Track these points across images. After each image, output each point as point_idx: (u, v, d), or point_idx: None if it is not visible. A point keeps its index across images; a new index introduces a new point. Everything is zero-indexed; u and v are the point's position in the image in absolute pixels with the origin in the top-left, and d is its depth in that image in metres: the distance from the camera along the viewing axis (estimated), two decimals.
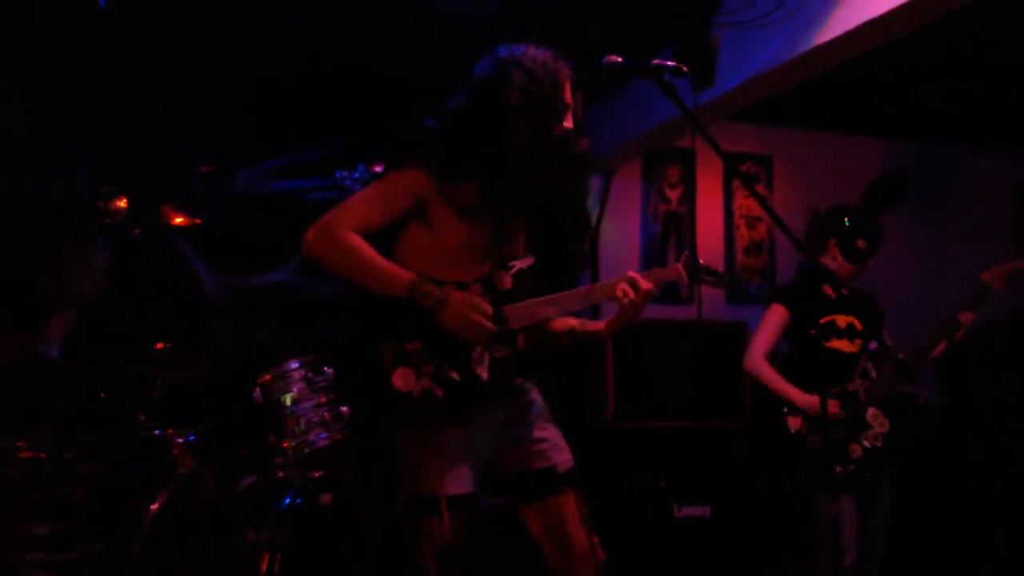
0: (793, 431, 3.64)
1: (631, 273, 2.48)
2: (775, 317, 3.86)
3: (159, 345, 3.72)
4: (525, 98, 2.44)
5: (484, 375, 2.43)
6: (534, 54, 2.50)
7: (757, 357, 3.80)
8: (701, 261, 2.56)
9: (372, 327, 2.47)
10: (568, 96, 2.51)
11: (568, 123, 2.51)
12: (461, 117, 2.49)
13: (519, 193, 2.51)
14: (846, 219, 3.85)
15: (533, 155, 2.45)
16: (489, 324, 2.38)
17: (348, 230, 2.43)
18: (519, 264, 2.55)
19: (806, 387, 3.65)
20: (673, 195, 5.92)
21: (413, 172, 2.45)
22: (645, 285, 2.45)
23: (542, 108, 2.46)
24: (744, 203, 6.06)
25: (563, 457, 2.57)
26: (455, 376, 2.41)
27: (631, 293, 2.44)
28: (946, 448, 5.09)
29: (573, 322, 2.65)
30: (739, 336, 4.93)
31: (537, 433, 2.57)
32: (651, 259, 5.78)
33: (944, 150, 6.38)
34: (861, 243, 3.81)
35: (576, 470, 2.58)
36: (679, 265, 2.52)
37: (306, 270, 4.64)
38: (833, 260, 3.84)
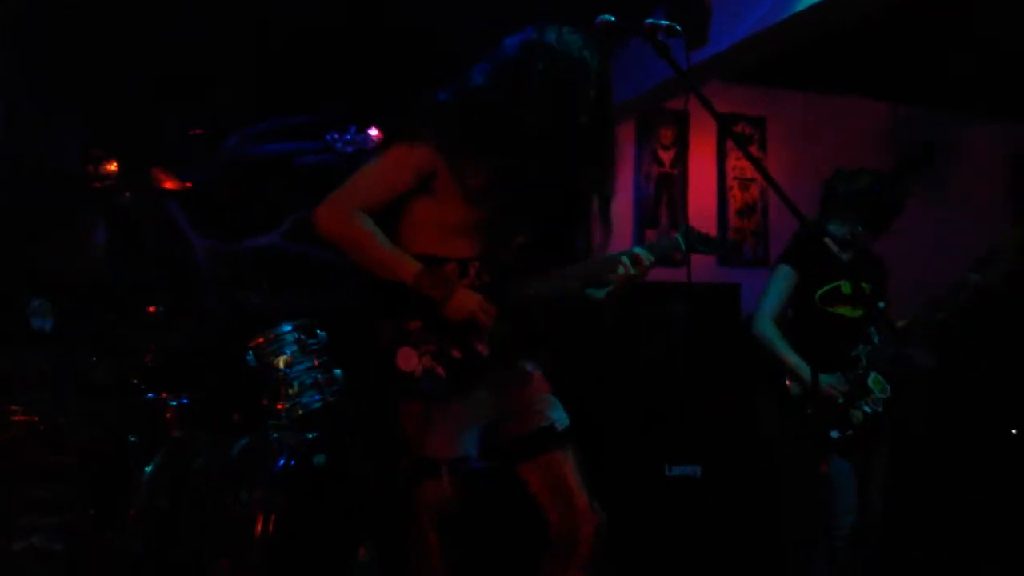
0: (793, 395, 3.61)
1: (635, 249, 2.50)
2: (784, 278, 3.76)
3: (151, 309, 3.72)
4: (546, 87, 2.41)
5: (485, 352, 2.45)
6: (563, 39, 2.45)
7: (767, 321, 3.69)
8: (695, 227, 2.58)
9: (372, 303, 2.47)
10: (592, 87, 2.45)
11: (586, 115, 2.47)
12: (478, 97, 2.46)
13: (528, 177, 2.50)
14: (875, 184, 3.70)
15: (547, 144, 2.44)
16: (490, 323, 2.41)
17: (358, 211, 2.42)
18: (522, 239, 2.55)
19: (807, 353, 3.59)
20: (666, 157, 5.90)
21: (423, 148, 2.43)
22: (646, 262, 2.48)
23: (562, 98, 2.42)
24: (737, 165, 6.03)
25: (560, 416, 2.60)
26: (457, 354, 2.42)
27: (629, 270, 2.47)
28: (941, 412, 5.11)
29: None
30: (731, 298, 4.93)
31: (534, 395, 2.60)
32: (644, 221, 5.77)
33: (939, 114, 6.35)
34: (884, 211, 3.69)
35: (573, 431, 2.60)
36: (675, 234, 2.55)
37: (297, 233, 4.64)
38: (845, 224, 3.72)
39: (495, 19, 2.53)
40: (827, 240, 3.74)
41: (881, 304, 3.71)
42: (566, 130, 2.46)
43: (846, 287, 3.69)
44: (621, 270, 2.48)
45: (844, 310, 3.69)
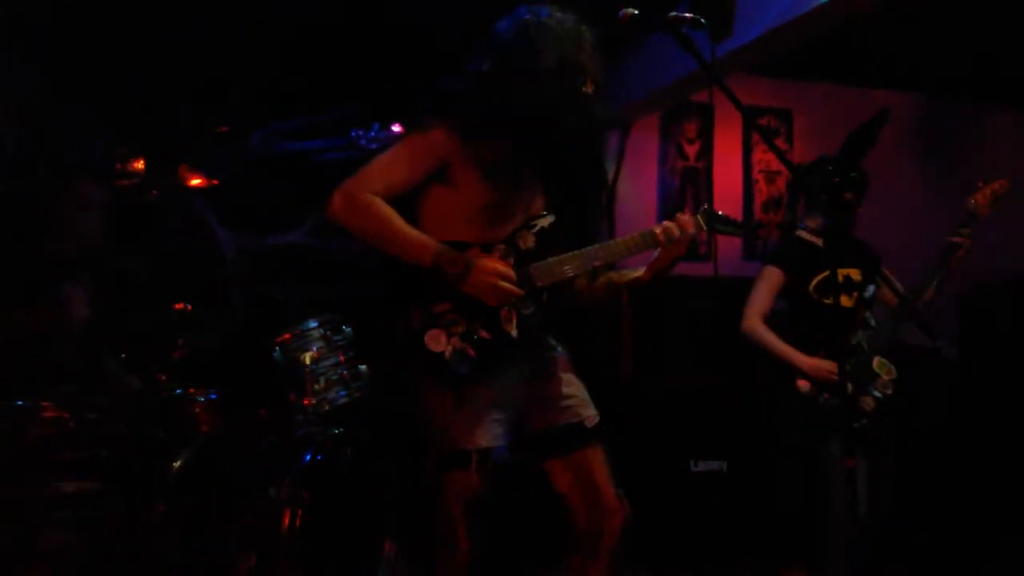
0: (803, 392, 3.64)
1: (664, 224, 2.56)
2: (770, 279, 3.85)
3: (179, 305, 3.74)
4: (552, 61, 2.44)
5: (514, 333, 2.45)
6: (560, 17, 2.51)
7: (755, 320, 3.79)
8: (719, 211, 2.59)
9: (399, 289, 2.48)
10: (590, 60, 2.51)
11: (590, 86, 2.51)
12: (487, 79, 2.48)
13: (540, 154, 2.51)
14: (830, 169, 3.86)
15: (557, 117, 2.45)
16: (515, 289, 2.41)
17: (373, 195, 2.43)
18: (541, 223, 2.56)
19: (805, 346, 3.65)
20: (691, 150, 5.87)
21: (437, 133, 2.45)
22: (689, 227, 2.53)
23: (568, 72, 2.46)
24: (763, 158, 5.99)
25: (589, 412, 2.61)
26: (486, 335, 2.43)
27: (675, 232, 2.50)
28: (963, 403, 5.06)
29: (610, 275, 2.69)
30: None
31: (564, 389, 2.61)
32: (669, 215, 5.73)
33: (963, 105, 6.28)
34: (848, 195, 3.81)
35: (601, 426, 2.60)
36: (698, 216, 2.56)
37: (322, 230, 4.66)
38: (819, 216, 3.85)
39: (495, 19, 2.55)
40: (803, 233, 3.86)
41: (871, 288, 3.78)
42: (571, 104, 2.48)
43: (839, 275, 3.78)
44: (664, 236, 2.53)
45: (840, 300, 3.76)
